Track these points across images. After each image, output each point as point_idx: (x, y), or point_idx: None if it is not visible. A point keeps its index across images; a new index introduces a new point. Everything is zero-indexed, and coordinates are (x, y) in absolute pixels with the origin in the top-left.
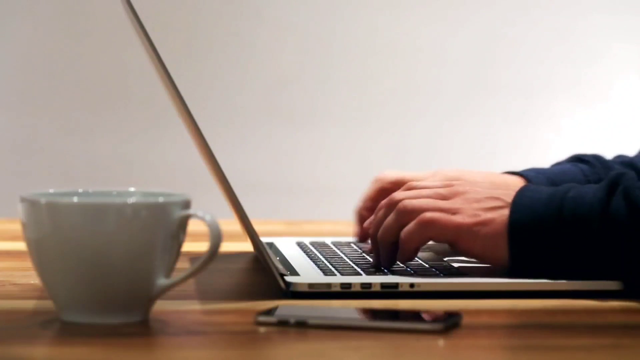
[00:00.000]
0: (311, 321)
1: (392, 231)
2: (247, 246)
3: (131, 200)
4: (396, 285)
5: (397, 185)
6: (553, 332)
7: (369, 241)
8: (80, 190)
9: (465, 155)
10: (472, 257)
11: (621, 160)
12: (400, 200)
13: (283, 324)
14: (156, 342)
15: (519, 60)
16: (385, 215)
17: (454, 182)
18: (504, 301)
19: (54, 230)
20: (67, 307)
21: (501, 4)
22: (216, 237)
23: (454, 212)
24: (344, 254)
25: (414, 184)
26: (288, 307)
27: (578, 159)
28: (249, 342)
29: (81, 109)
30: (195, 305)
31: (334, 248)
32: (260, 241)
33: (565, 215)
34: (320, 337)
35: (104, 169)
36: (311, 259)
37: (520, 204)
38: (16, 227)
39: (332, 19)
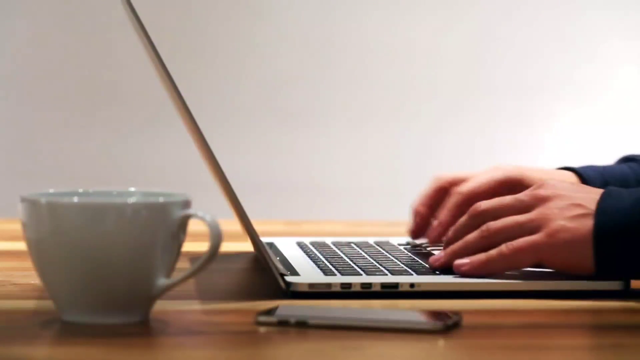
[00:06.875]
0: (311, 321)
1: (473, 248)
2: (247, 246)
3: (131, 200)
4: (396, 285)
5: (455, 184)
6: (553, 332)
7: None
8: (80, 190)
9: (463, 155)
10: (556, 269)
11: None
12: (482, 213)
13: (283, 324)
14: (156, 342)
15: (517, 59)
16: (467, 226)
17: (537, 188)
18: (504, 301)
19: (54, 230)
20: (67, 307)
21: (498, 4)
22: (216, 237)
23: (535, 227)
24: (344, 254)
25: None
26: (288, 307)
27: (627, 159)
28: (249, 342)
29: (81, 108)
30: (195, 305)
31: (334, 248)
32: (260, 241)
33: None
34: (320, 337)
35: (104, 169)
36: (311, 259)
37: (605, 212)
38: (16, 227)
39: (330, 20)
